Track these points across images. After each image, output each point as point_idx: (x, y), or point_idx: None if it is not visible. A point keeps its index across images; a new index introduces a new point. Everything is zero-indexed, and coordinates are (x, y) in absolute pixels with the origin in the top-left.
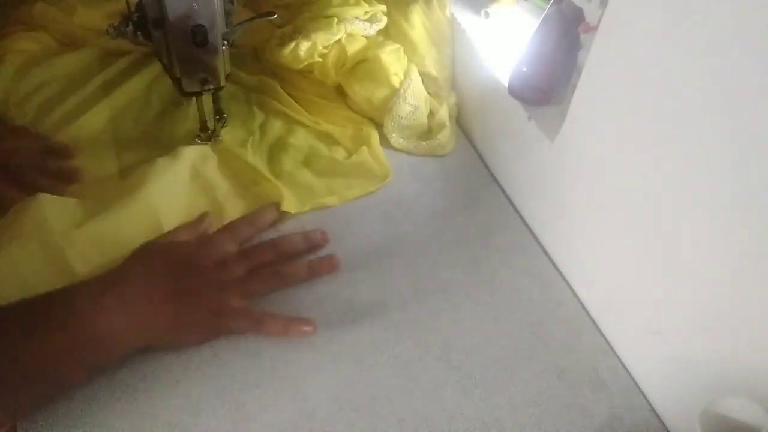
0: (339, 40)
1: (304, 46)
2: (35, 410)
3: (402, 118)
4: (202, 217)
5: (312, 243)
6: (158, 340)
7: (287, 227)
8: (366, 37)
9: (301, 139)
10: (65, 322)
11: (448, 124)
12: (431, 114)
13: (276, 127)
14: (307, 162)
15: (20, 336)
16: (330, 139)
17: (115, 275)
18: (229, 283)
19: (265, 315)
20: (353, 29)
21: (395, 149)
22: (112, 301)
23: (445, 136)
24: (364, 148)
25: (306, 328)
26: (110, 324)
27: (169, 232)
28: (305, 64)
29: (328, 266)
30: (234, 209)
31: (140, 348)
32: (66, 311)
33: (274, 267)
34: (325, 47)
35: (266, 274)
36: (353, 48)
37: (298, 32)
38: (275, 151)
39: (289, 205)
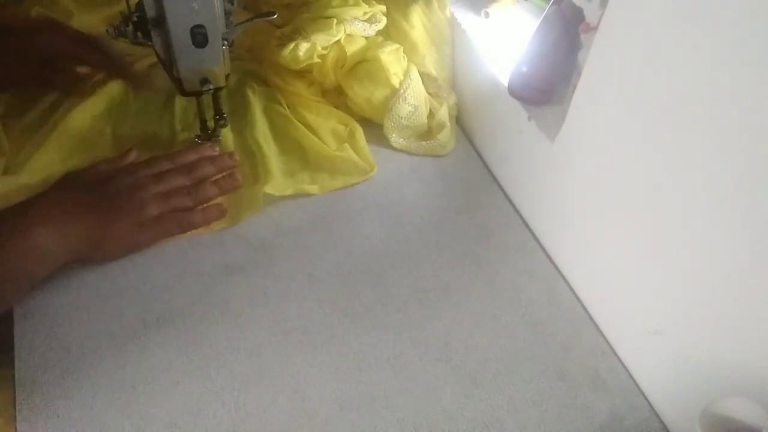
0: (338, 41)
1: (304, 47)
2: None
3: (402, 118)
4: (128, 151)
5: (221, 166)
6: (85, 253)
7: (287, 217)
8: (365, 38)
9: (286, 132)
10: None
11: (448, 124)
12: (431, 114)
13: (262, 120)
14: (291, 154)
15: None
16: (314, 134)
17: (37, 197)
18: (146, 201)
19: (184, 214)
20: (352, 30)
21: (395, 149)
22: (35, 218)
23: (445, 136)
24: (347, 144)
25: (219, 209)
26: (34, 240)
27: (90, 165)
28: (304, 64)
29: (234, 183)
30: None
31: (70, 262)
32: None
33: (185, 188)
34: (324, 48)
35: (180, 195)
36: (352, 48)
37: (298, 33)
38: (261, 142)
39: (273, 186)
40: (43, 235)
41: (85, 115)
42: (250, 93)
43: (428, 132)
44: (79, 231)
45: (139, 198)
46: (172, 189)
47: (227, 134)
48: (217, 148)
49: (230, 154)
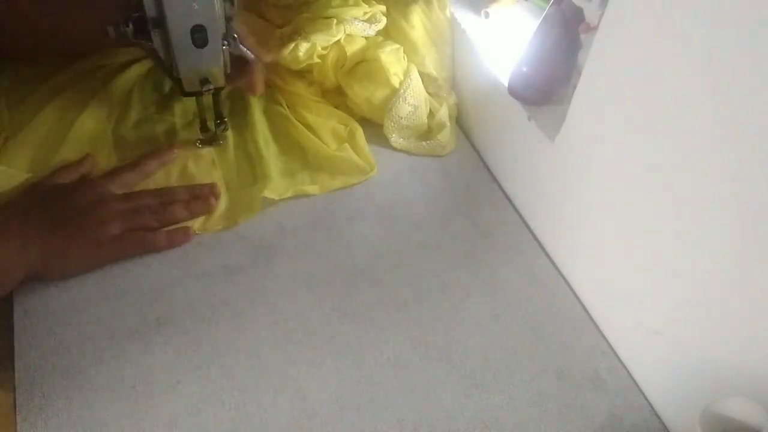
0: (338, 41)
1: (303, 47)
2: None
3: (402, 118)
4: (86, 157)
5: (194, 193)
6: (43, 269)
7: (287, 217)
8: (365, 38)
9: (286, 132)
10: None
11: (448, 124)
12: (431, 114)
13: (262, 120)
14: (292, 154)
15: None
16: (314, 134)
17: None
18: (108, 218)
19: (147, 234)
20: (352, 30)
21: (395, 149)
22: None
23: (445, 136)
24: (346, 144)
25: (185, 233)
26: None
27: (51, 172)
28: (304, 65)
29: (205, 207)
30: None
31: (30, 278)
32: None
33: (152, 207)
34: (324, 48)
35: (145, 215)
36: (352, 48)
37: (297, 33)
38: (261, 143)
39: (272, 190)
40: (3, 252)
41: (86, 115)
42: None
43: (428, 132)
44: (37, 248)
45: (100, 215)
46: (138, 207)
47: (227, 136)
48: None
49: (211, 185)
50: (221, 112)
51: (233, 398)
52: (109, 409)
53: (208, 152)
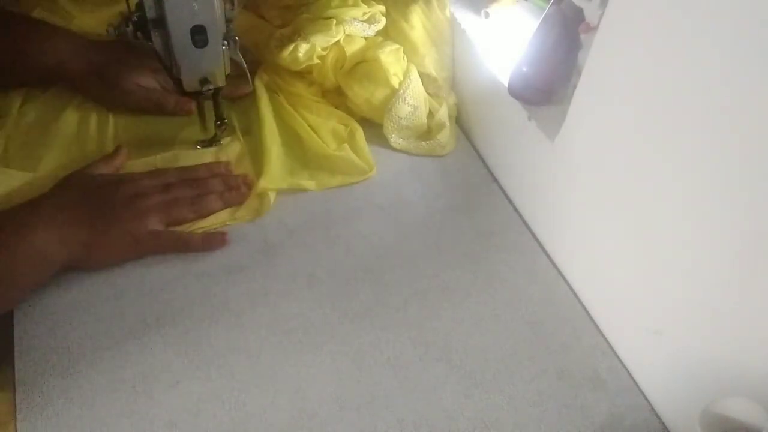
0: (337, 42)
1: (303, 48)
2: None
3: (401, 118)
4: (118, 149)
5: (228, 184)
6: (82, 259)
7: (287, 217)
8: (365, 38)
9: (288, 128)
10: None
11: (447, 124)
12: (431, 114)
13: (269, 110)
14: (293, 146)
15: None
16: (314, 133)
17: (39, 200)
18: (147, 210)
19: (183, 234)
20: (352, 30)
21: (395, 149)
22: (38, 221)
23: (445, 137)
24: (346, 145)
25: (222, 239)
26: (38, 242)
27: (87, 165)
28: (304, 65)
29: (239, 198)
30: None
31: (67, 266)
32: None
33: (191, 199)
34: (324, 49)
35: (181, 206)
36: (352, 49)
37: (297, 34)
38: (266, 132)
39: (269, 179)
40: (44, 240)
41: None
42: (258, 81)
43: (428, 132)
44: (77, 238)
45: (140, 208)
46: (175, 199)
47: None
48: (229, 166)
49: (244, 176)
50: (221, 113)
51: (233, 398)
52: (109, 409)
53: (237, 143)
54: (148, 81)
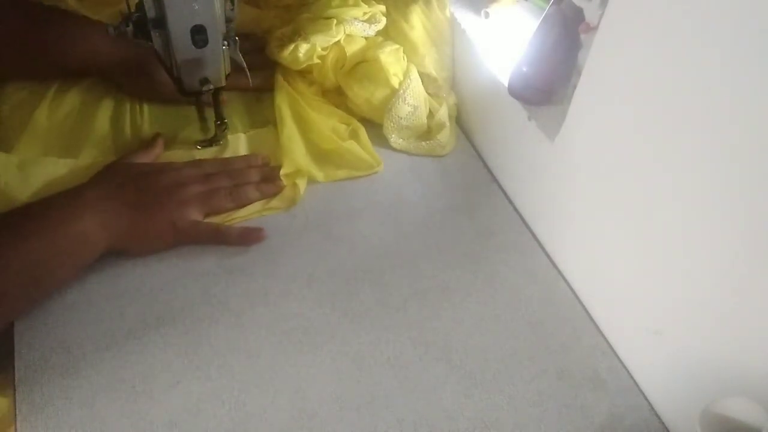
0: (338, 42)
1: (303, 48)
2: (28, 311)
3: (401, 118)
4: (155, 138)
5: (265, 175)
6: (123, 245)
7: (287, 217)
8: (365, 38)
9: (291, 127)
10: (44, 227)
11: (447, 124)
12: (431, 114)
13: (284, 98)
14: (302, 136)
15: (4, 243)
16: (319, 128)
17: (83, 187)
18: (187, 200)
19: (221, 226)
20: (352, 30)
21: (395, 149)
22: (82, 207)
23: (445, 136)
24: (352, 141)
25: (260, 234)
26: (82, 227)
27: (126, 154)
28: (304, 65)
29: (275, 189)
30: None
31: (111, 250)
32: (44, 218)
33: (227, 189)
34: (324, 49)
35: (220, 196)
36: (352, 49)
37: (297, 34)
38: (285, 116)
39: (289, 165)
40: (88, 226)
41: (86, 115)
42: (278, 74)
43: (428, 132)
44: (120, 224)
45: (181, 197)
46: (214, 189)
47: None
48: (267, 158)
49: (279, 167)
50: (221, 113)
51: (233, 398)
52: (109, 409)
53: (270, 132)
54: None
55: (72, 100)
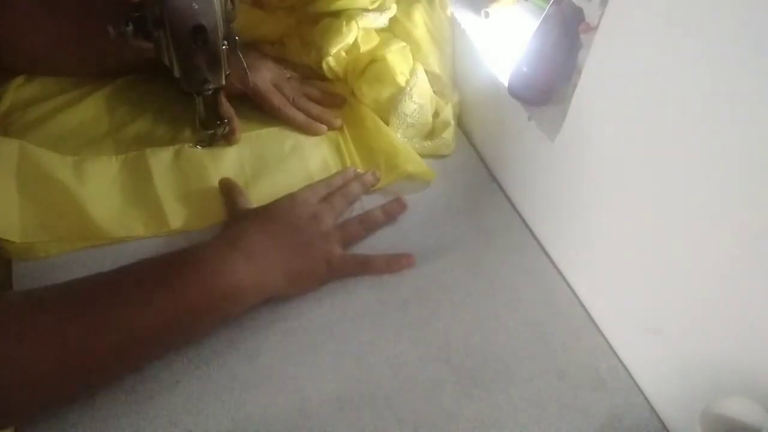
0: (355, 41)
1: (330, 61)
2: (162, 357)
3: (407, 115)
4: (348, 169)
5: (366, 183)
6: (279, 290)
7: None
8: (377, 32)
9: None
10: (196, 278)
11: (452, 122)
12: (435, 113)
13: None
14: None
15: (155, 291)
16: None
17: (235, 234)
18: (328, 233)
19: (368, 256)
20: (365, 23)
21: None
22: (237, 257)
23: (450, 135)
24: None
25: (408, 261)
26: (237, 278)
27: (236, 195)
28: (342, 72)
29: (399, 207)
30: None
31: (264, 299)
32: (196, 268)
33: (356, 217)
34: (345, 51)
35: (353, 223)
36: (366, 47)
37: (315, 46)
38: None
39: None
40: (245, 276)
41: (86, 114)
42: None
43: (431, 132)
44: (277, 270)
45: (322, 230)
46: (347, 221)
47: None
48: (359, 170)
49: (372, 172)
50: (221, 113)
51: (233, 398)
52: (109, 409)
53: (270, 133)
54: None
55: (92, 100)
